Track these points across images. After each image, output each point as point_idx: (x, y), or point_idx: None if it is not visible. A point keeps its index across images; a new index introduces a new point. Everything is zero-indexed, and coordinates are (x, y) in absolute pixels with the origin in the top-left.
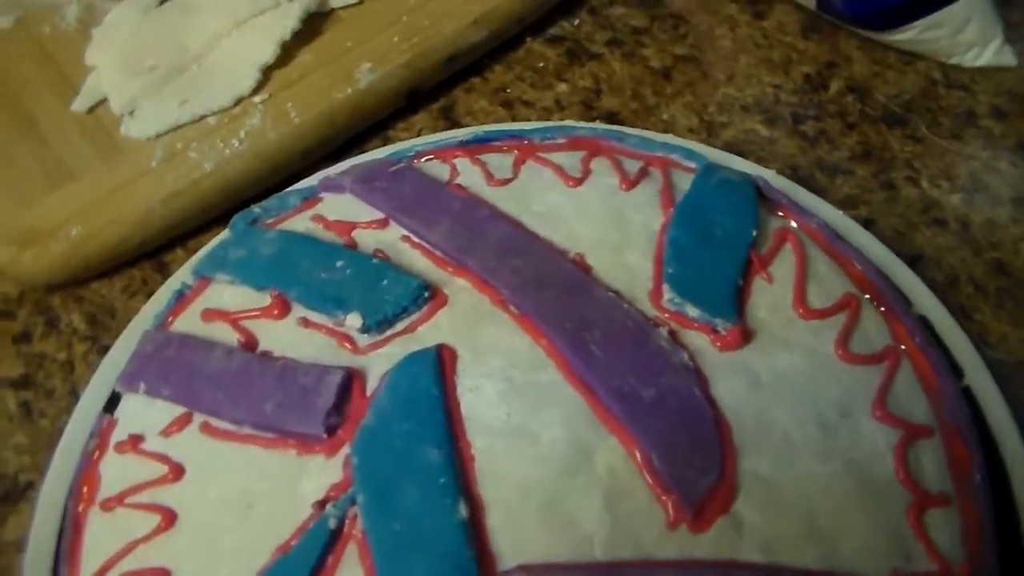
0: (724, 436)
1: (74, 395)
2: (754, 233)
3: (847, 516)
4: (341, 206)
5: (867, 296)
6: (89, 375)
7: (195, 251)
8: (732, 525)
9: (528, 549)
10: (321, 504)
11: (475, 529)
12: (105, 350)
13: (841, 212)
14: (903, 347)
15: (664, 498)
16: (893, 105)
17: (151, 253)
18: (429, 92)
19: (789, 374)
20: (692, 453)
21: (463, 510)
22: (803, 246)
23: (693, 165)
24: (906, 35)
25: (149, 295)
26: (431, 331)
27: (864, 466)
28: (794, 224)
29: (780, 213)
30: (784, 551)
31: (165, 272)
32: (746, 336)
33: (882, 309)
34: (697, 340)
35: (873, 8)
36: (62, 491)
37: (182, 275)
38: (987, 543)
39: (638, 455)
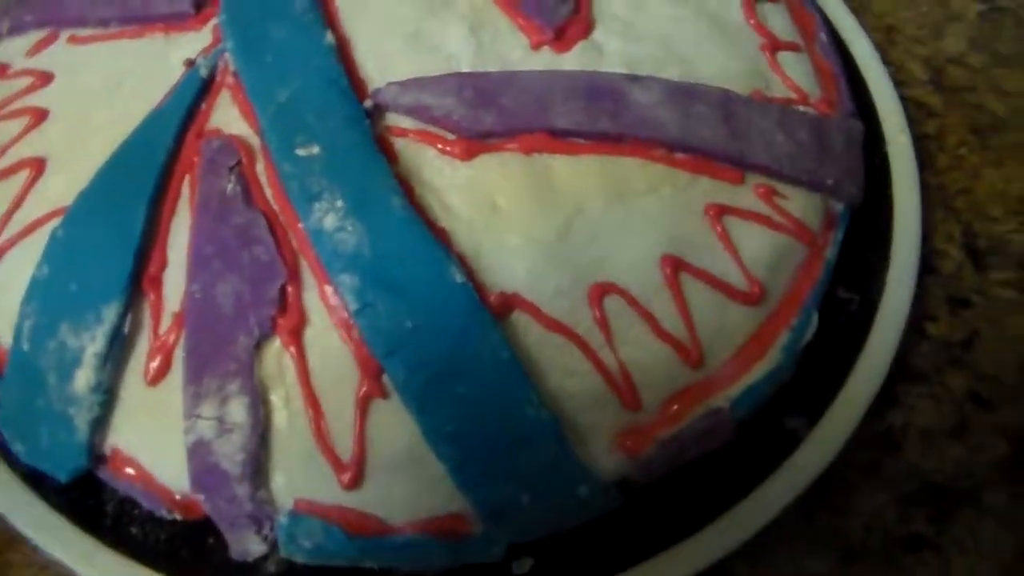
0: None
1: None
2: None
3: (702, 47)
4: None
5: None
6: None
7: None
8: (593, 48)
9: (396, 70)
10: (191, 62)
11: (343, 61)
12: None
13: None
14: None
15: (525, 24)
16: None
17: None
18: None
19: None
20: None
21: (330, 37)
22: None
23: None
24: None
25: None
26: None
27: (714, 12)
28: None
29: None
30: (645, 68)
31: None
32: None
33: None
34: None
35: None
36: None
37: None
38: (842, 90)
39: None
